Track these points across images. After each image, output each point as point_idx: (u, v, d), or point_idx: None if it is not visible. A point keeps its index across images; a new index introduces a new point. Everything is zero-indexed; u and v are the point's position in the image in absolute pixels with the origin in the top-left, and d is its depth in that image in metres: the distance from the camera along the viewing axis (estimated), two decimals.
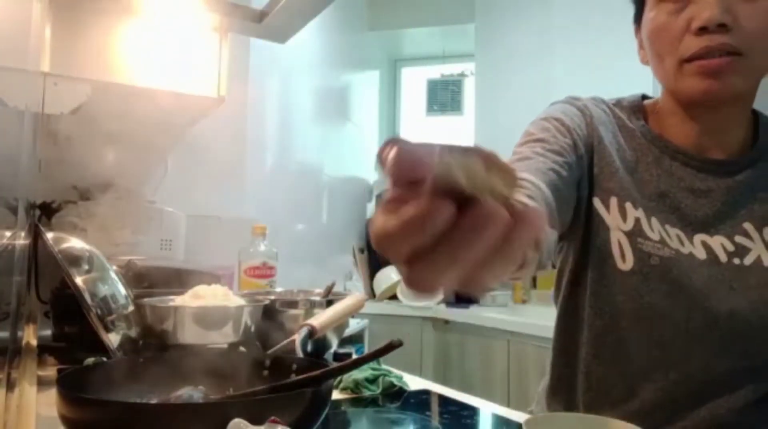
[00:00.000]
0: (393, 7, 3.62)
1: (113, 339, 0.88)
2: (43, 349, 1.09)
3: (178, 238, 1.66)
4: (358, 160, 3.53)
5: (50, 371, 0.97)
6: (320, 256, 2.90)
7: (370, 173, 3.68)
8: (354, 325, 2.59)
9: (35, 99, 1.15)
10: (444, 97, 3.68)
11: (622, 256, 0.71)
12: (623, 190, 0.72)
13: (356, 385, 0.96)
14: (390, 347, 0.62)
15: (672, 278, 0.69)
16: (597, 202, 0.72)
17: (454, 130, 3.69)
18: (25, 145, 0.84)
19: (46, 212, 1.56)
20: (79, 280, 0.89)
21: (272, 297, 1.13)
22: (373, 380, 0.97)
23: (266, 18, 1.31)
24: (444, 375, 2.70)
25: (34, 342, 1.15)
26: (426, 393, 0.99)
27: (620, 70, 2.43)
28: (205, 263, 1.54)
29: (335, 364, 0.66)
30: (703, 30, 0.62)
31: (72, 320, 1.08)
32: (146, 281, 1.15)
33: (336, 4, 1.32)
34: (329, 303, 1.02)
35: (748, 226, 0.69)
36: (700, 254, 0.69)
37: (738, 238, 0.69)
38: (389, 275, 3.05)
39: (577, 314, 0.79)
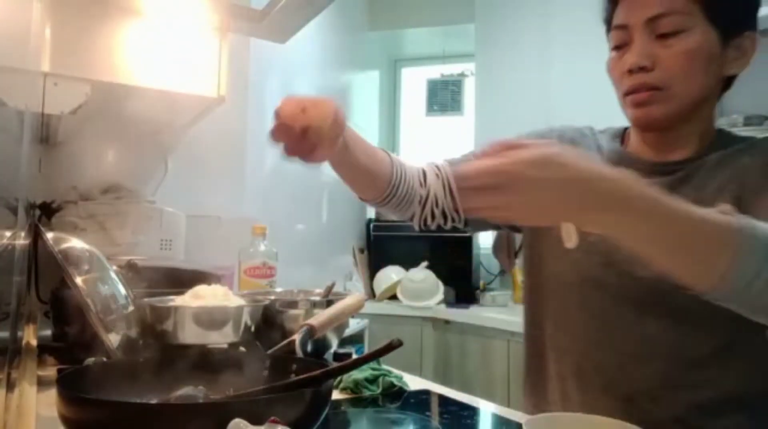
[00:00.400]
0: (393, 7, 3.62)
1: (113, 339, 0.88)
2: (43, 349, 1.09)
3: (178, 238, 1.66)
4: None
5: (50, 371, 0.97)
6: (320, 256, 2.90)
7: None
8: (354, 325, 2.59)
9: (35, 99, 1.15)
10: (444, 97, 3.67)
11: (569, 236, 0.79)
12: None
13: (356, 385, 0.96)
14: (390, 347, 0.62)
15: (605, 250, 0.80)
16: None
17: (454, 130, 3.69)
18: (25, 145, 0.84)
19: (46, 212, 1.56)
20: (79, 280, 0.89)
21: (272, 297, 1.13)
22: (373, 380, 0.97)
23: (266, 18, 1.31)
24: (444, 375, 2.70)
25: (34, 342, 1.15)
26: (426, 393, 0.99)
27: None
28: (205, 263, 1.54)
29: (335, 364, 0.66)
30: (630, 71, 0.80)
31: (72, 320, 1.08)
32: (146, 281, 1.15)
33: (336, 4, 1.32)
34: (329, 303, 1.02)
35: None
36: None
37: None
38: (389, 275, 3.05)
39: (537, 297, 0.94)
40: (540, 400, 0.93)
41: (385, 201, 0.93)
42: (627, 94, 0.82)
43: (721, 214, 0.62)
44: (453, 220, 0.96)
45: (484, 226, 0.99)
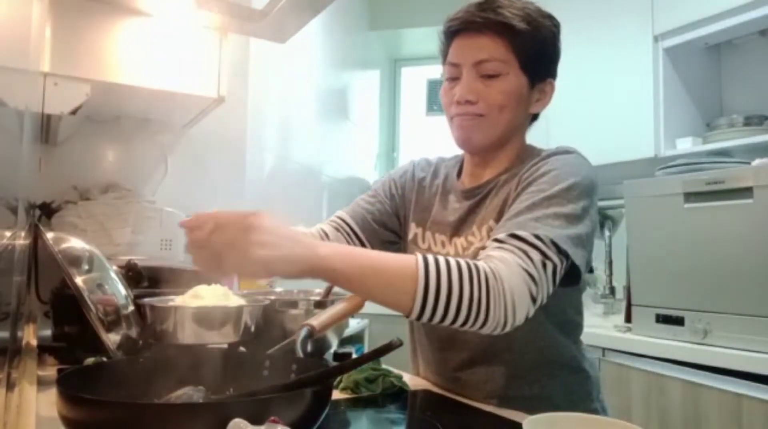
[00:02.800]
0: (393, 7, 3.62)
1: (113, 339, 0.88)
2: (43, 349, 1.09)
3: (178, 238, 1.66)
4: (358, 160, 3.53)
5: (50, 371, 0.97)
6: None
7: (370, 173, 3.68)
8: (354, 325, 2.59)
9: (35, 99, 1.15)
10: None
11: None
12: (418, 216, 1.12)
13: (356, 385, 0.96)
14: (390, 347, 0.62)
15: None
16: (411, 225, 1.12)
17: None
18: (25, 145, 0.84)
19: (46, 212, 1.56)
20: (79, 280, 0.89)
21: (272, 297, 1.13)
22: (373, 380, 0.97)
23: (266, 18, 1.31)
24: None
25: (34, 342, 1.15)
26: (426, 393, 0.99)
27: (619, 70, 2.43)
28: None
29: (335, 364, 0.66)
30: (458, 102, 0.97)
31: (72, 320, 1.08)
32: (146, 281, 1.15)
33: (336, 4, 1.32)
34: (329, 303, 1.02)
35: (474, 228, 1.00)
36: (452, 250, 1.03)
37: (470, 238, 1.00)
38: None
39: None
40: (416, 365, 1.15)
41: None
42: (452, 118, 1.00)
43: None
44: None
45: (385, 239, 1.16)
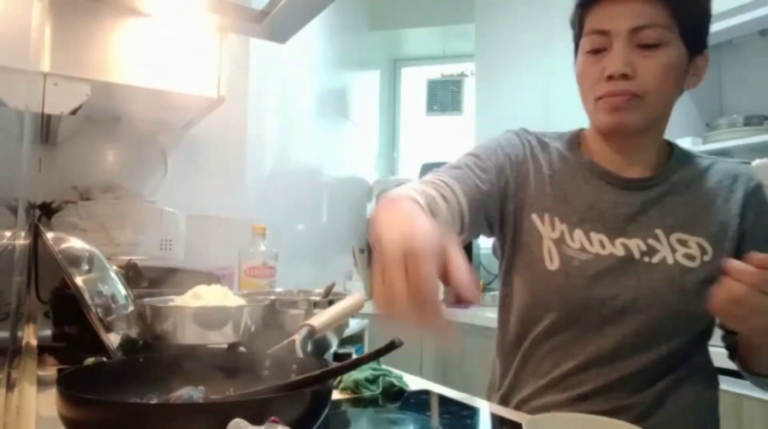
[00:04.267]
0: (393, 7, 3.62)
1: (113, 339, 0.88)
2: (43, 349, 1.09)
3: (178, 238, 1.66)
4: (358, 160, 3.52)
5: (50, 371, 0.97)
6: (320, 256, 2.90)
7: (370, 173, 3.68)
8: (354, 325, 2.59)
9: (35, 99, 1.15)
10: (444, 97, 3.67)
11: (551, 259, 0.90)
12: (553, 207, 0.92)
13: (356, 385, 0.96)
14: (390, 347, 0.62)
15: (589, 276, 0.88)
16: (534, 217, 0.92)
17: (454, 130, 3.69)
18: (25, 145, 0.84)
19: (46, 212, 1.56)
20: (79, 280, 0.89)
21: (272, 297, 1.13)
22: (373, 380, 0.97)
23: (266, 18, 1.31)
24: (444, 375, 2.70)
25: (34, 342, 1.15)
26: (426, 393, 0.99)
27: None
28: (205, 263, 1.54)
29: (335, 364, 0.66)
30: (610, 77, 0.83)
31: (72, 320, 1.08)
32: (146, 281, 1.15)
33: (336, 4, 1.32)
34: (329, 303, 1.02)
35: (658, 231, 0.88)
36: (619, 252, 0.88)
37: (650, 241, 0.87)
38: None
39: (509, 309, 0.98)
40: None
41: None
42: (601, 97, 0.85)
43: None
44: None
45: (480, 232, 0.98)
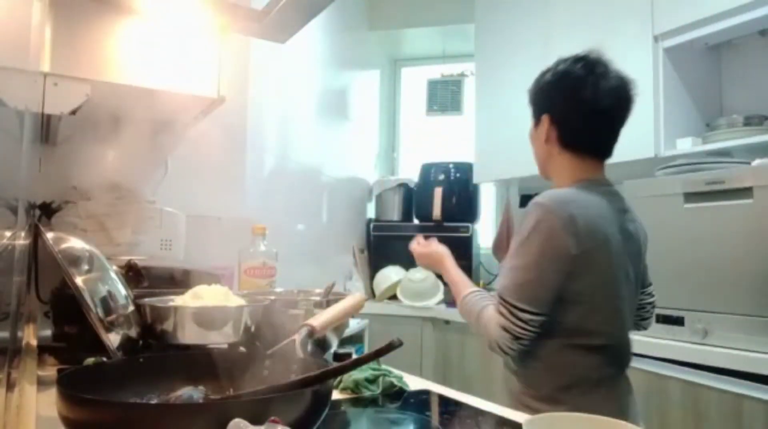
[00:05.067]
0: (393, 7, 3.62)
1: (113, 339, 0.88)
2: (43, 349, 1.09)
3: (178, 238, 1.66)
4: (358, 160, 3.53)
5: (50, 371, 0.97)
6: (320, 256, 2.90)
7: (370, 173, 3.68)
8: (354, 325, 2.59)
9: (35, 99, 1.15)
10: (444, 97, 3.67)
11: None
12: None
13: (356, 385, 0.96)
14: (390, 347, 0.62)
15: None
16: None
17: (454, 130, 3.69)
18: (25, 145, 0.84)
19: (46, 212, 1.56)
20: (79, 280, 0.89)
21: (272, 297, 1.13)
22: (373, 380, 0.97)
23: (266, 18, 1.31)
24: (444, 375, 2.70)
25: (34, 342, 1.15)
26: (426, 393, 0.99)
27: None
28: (205, 263, 1.54)
29: (335, 364, 0.66)
30: None
31: (72, 320, 1.08)
32: (146, 281, 1.15)
33: (336, 4, 1.32)
34: (329, 303, 1.02)
35: None
36: None
37: None
38: (389, 275, 3.05)
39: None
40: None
41: None
42: None
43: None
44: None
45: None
